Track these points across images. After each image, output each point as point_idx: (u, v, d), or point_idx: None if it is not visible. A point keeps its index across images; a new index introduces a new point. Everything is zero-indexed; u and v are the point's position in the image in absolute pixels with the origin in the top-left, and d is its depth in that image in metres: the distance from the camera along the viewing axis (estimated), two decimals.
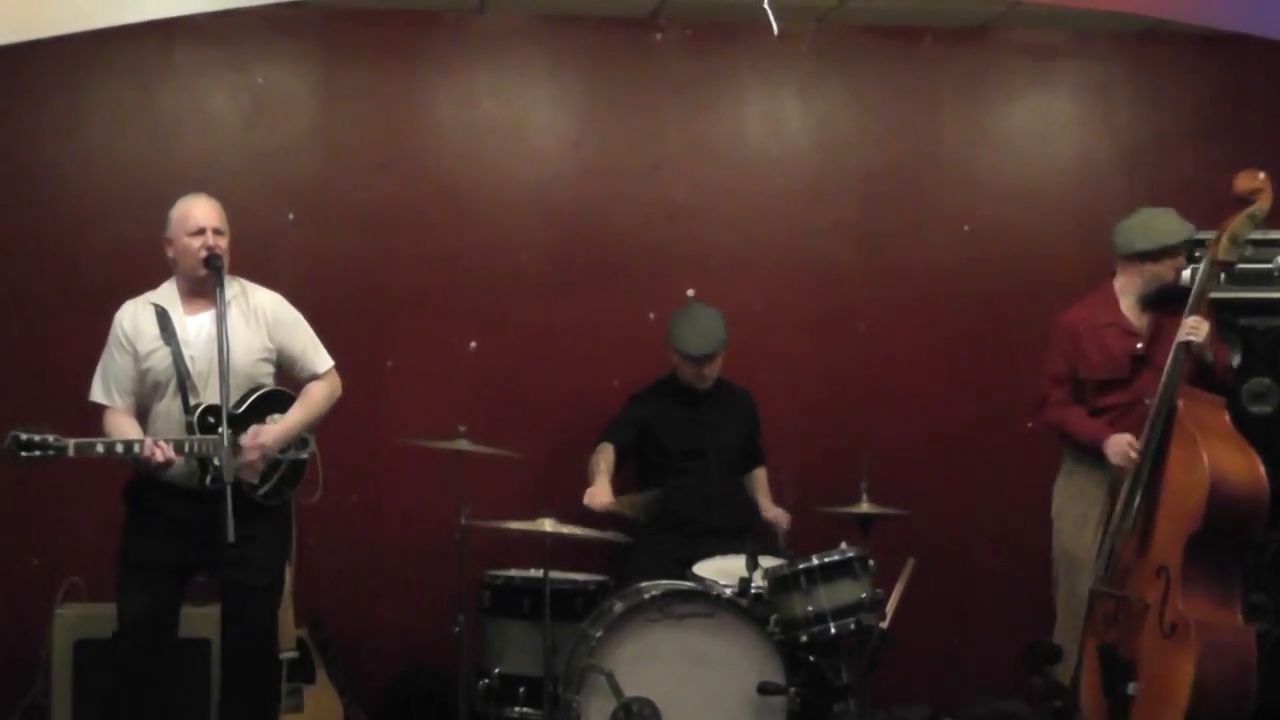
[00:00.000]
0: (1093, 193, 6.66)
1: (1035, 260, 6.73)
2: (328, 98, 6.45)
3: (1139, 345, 5.68)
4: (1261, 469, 5.19)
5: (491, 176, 6.54)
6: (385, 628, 6.35)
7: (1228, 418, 5.35)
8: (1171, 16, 6.16)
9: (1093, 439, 5.62)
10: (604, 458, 6.03)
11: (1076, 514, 5.74)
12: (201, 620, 5.35)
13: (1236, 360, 6.14)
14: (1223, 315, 6.14)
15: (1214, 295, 6.10)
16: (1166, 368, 5.35)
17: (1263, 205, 5.35)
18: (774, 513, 6.17)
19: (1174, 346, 5.34)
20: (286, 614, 5.45)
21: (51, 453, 4.70)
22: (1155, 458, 5.28)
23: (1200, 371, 5.49)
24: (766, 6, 5.53)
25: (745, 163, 6.70)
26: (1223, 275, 5.66)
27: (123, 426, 4.94)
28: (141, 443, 4.81)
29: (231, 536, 4.65)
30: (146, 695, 4.96)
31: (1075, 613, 5.68)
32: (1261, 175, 5.39)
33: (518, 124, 6.58)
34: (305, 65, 6.47)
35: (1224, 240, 5.34)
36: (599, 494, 5.83)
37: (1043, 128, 6.88)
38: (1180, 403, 5.29)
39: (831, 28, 6.65)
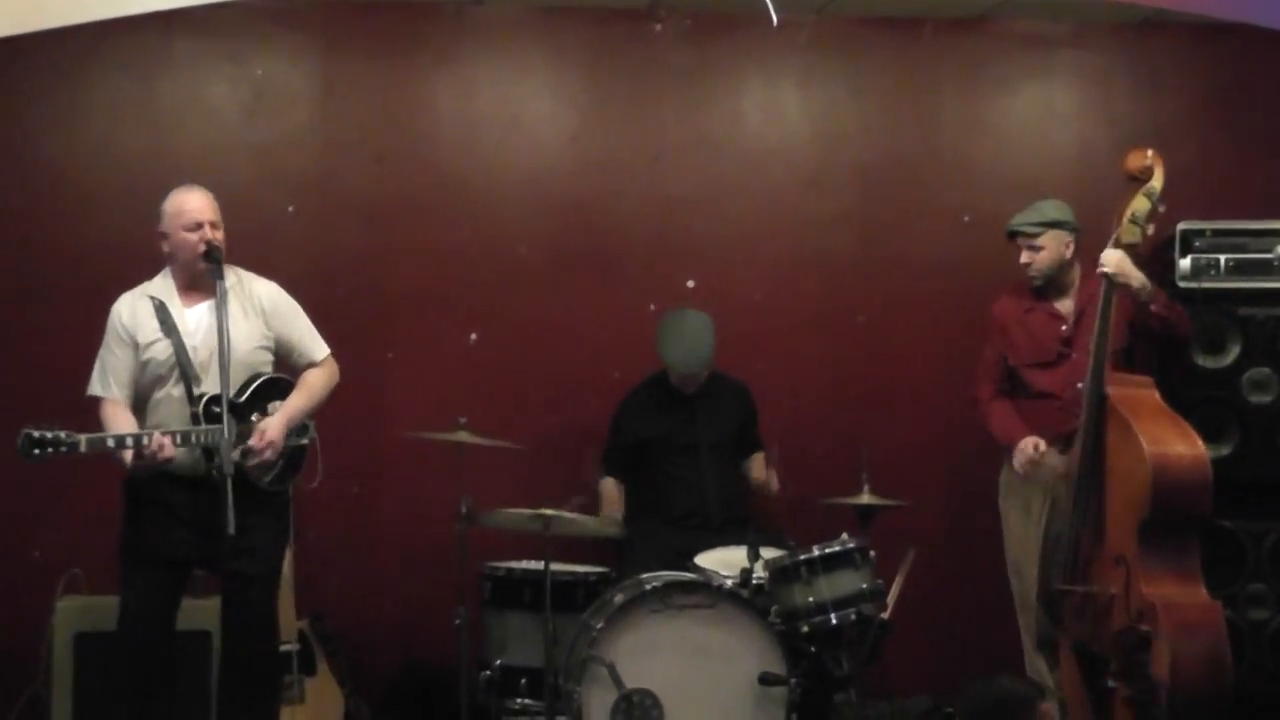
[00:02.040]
0: (1092, 183, 6.61)
1: None
2: (327, 89, 6.44)
3: (1064, 328, 5.66)
4: (1200, 444, 5.05)
5: (491, 168, 6.53)
6: (386, 620, 6.35)
7: (1158, 396, 5.22)
8: (1171, 6, 6.15)
9: (1008, 442, 5.63)
10: (609, 497, 6.15)
11: (1020, 505, 5.74)
12: (201, 613, 5.35)
13: (1236, 352, 6.14)
14: (1222, 305, 6.15)
15: (1213, 286, 6.11)
16: (1099, 306, 5.22)
17: (1156, 182, 5.23)
18: (764, 474, 6.18)
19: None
20: (287, 606, 5.45)
21: (64, 449, 4.65)
22: (1095, 446, 5.16)
23: (1150, 322, 5.46)
24: None
25: (744, 154, 6.69)
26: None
27: (120, 417, 4.93)
28: (150, 435, 4.79)
29: (232, 529, 4.65)
30: (147, 688, 4.96)
31: (1024, 604, 5.69)
32: (1150, 152, 5.27)
33: (516, 116, 6.57)
34: (304, 57, 6.45)
35: (1125, 223, 5.23)
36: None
37: (1042, 119, 6.87)
38: (1110, 390, 5.16)
39: (831, 18, 6.64)
